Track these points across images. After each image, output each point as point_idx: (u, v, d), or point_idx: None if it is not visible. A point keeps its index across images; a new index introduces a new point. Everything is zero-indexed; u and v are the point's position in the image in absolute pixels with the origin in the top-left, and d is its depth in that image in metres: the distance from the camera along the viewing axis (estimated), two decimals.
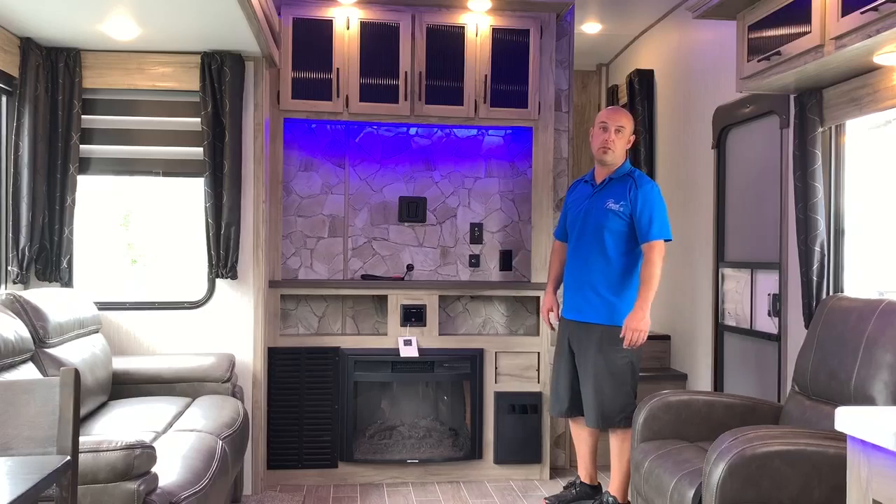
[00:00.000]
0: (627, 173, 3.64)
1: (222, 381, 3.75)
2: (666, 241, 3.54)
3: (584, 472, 3.83)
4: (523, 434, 4.33)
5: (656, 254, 3.49)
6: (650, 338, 5.14)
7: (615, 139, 3.61)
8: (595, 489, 3.83)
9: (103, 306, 3.88)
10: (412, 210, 4.56)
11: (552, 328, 3.96)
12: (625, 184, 3.59)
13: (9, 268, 3.67)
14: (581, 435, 3.79)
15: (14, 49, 3.60)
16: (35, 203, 3.68)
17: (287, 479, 4.23)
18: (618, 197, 3.57)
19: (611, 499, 3.66)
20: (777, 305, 3.83)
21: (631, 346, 3.48)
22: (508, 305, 4.58)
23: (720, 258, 4.44)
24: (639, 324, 3.44)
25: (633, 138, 3.70)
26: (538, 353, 4.37)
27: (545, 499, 3.87)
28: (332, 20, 4.25)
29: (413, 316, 4.30)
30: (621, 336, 3.47)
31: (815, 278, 3.39)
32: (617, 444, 3.62)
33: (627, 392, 3.58)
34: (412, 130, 4.61)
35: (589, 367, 3.58)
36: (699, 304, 4.69)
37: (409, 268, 4.57)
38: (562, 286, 3.84)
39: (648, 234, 3.50)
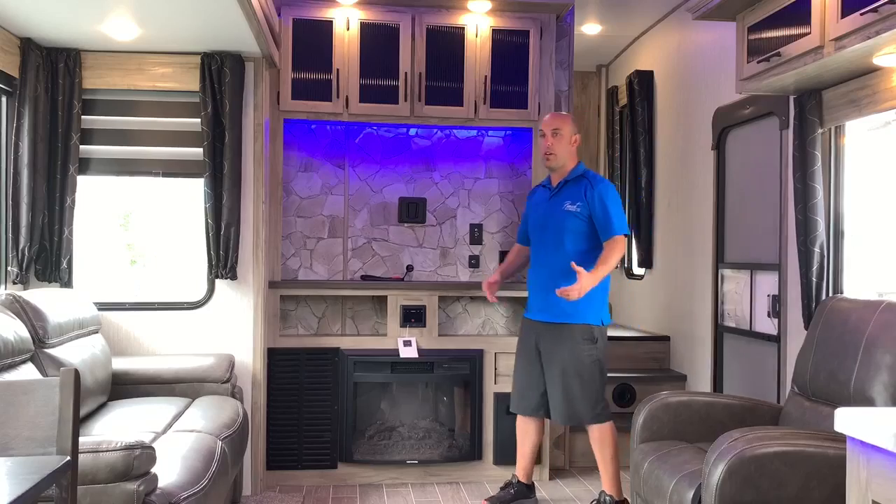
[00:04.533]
0: (581, 175, 3.72)
1: (222, 381, 3.75)
2: (625, 235, 3.64)
3: (522, 471, 3.90)
4: None
5: (618, 246, 3.59)
6: (650, 338, 5.19)
7: (554, 143, 3.70)
8: (529, 488, 3.91)
9: (103, 307, 3.88)
10: (412, 211, 4.56)
11: (493, 299, 3.96)
12: (580, 185, 3.68)
13: (9, 268, 3.67)
14: (529, 432, 3.86)
15: (14, 49, 3.60)
16: (35, 203, 3.68)
17: (286, 480, 4.23)
18: (574, 198, 3.66)
19: (608, 497, 3.68)
20: (777, 306, 3.84)
21: (564, 294, 3.47)
22: (508, 306, 4.58)
23: (720, 259, 4.44)
24: (583, 287, 3.44)
25: (576, 138, 3.75)
26: None
27: (485, 500, 3.89)
28: (332, 21, 4.25)
29: (413, 317, 4.30)
30: (566, 290, 3.46)
31: (814, 279, 3.39)
32: (597, 440, 3.67)
33: (596, 389, 3.65)
34: (412, 131, 4.61)
35: (556, 367, 3.64)
36: (699, 305, 4.69)
37: (409, 268, 4.57)
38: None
39: (608, 231, 3.59)
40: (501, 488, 3.94)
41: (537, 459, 4.32)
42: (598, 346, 3.65)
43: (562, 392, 3.63)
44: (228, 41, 3.74)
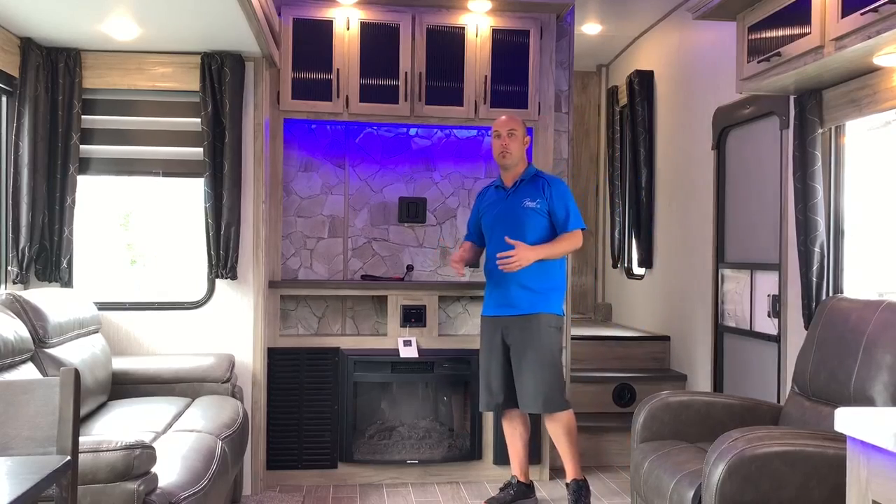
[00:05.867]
0: (535, 174, 3.89)
1: (222, 381, 3.75)
2: (582, 229, 3.80)
3: (518, 470, 3.93)
4: None
5: (574, 237, 3.77)
6: (650, 338, 5.19)
7: (509, 142, 3.83)
8: (529, 487, 3.94)
9: (103, 306, 3.88)
10: (412, 210, 4.56)
11: (462, 272, 3.98)
12: (536, 183, 3.84)
13: (9, 268, 3.67)
14: (517, 429, 3.91)
15: (14, 49, 3.60)
16: (35, 203, 3.68)
17: (286, 480, 4.23)
18: (533, 195, 3.80)
19: (579, 483, 3.75)
20: (777, 306, 3.84)
21: (508, 268, 3.63)
22: None
23: (720, 259, 4.44)
24: (526, 256, 3.63)
25: (527, 139, 3.92)
26: None
27: (485, 501, 3.90)
28: (332, 20, 4.25)
29: (413, 316, 4.30)
30: (507, 255, 3.62)
31: (814, 279, 3.39)
32: (561, 427, 3.74)
33: (563, 376, 3.80)
34: (412, 131, 4.61)
35: (529, 357, 3.70)
36: (699, 304, 4.69)
37: (409, 268, 4.57)
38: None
39: (567, 225, 3.77)
40: (501, 489, 3.95)
41: (537, 459, 4.32)
42: (560, 335, 3.84)
43: (536, 381, 3.68)
44: (228, 41, 3.74)
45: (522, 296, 3.74)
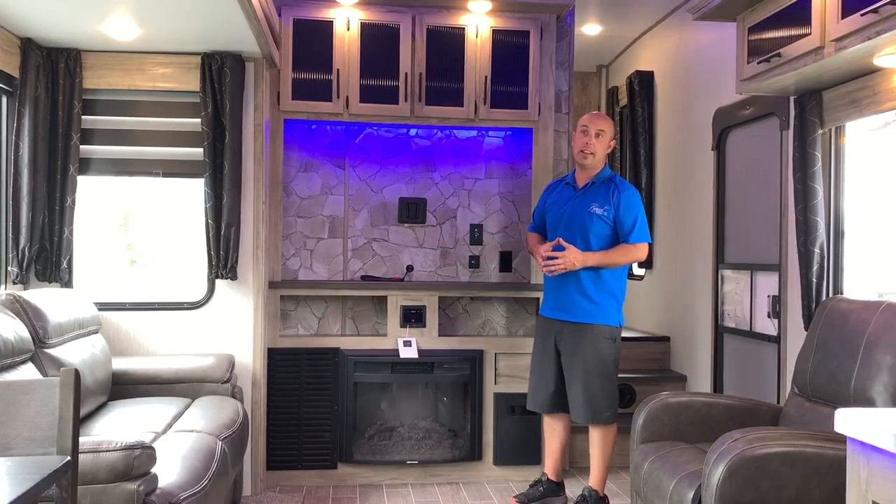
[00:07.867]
0: (609, 178, 3.75)
1: (222, 381, 3.75)
2: (646, 243, 3.69)
3: (551, 469, 3.91)
4: (523, 435, 4.33)
5: (635, 250, 3.65)
6: (650, 339, 5.19)
7: (595, 143, 3.71)
8: (559, 486, 3.92)
9: (103, 307, 3.88)
10: (412, 211, 4.56)
11: (547, 270, 3.73)
12: (607, 188, 3.71)
13: (9, 268, 3.67)
14: (556, 430, 3.88)
15: (14, 49, 3.61)
16: (35, 203, 3.68)
17: (286, 480, 4.23)
18: (602, 201, 3.68)
19: (592, 492, 3.72)
20: (777, 307, 3.84)
21: (549, 270, 3.62)
22: (508, 306, 4.58)
23: (720, 260, 4.44)
24: (576, 260, 3.57)
25: (613, 143, 3.81)
26: None
27: (514, 497, 3.90)
28: (332, 21, 4.25)
29: (413, 317, 4.30)
30: (554, 256, 3.59)
31: (814, 280, 3.39)
32: (599, 438, 3.70)
33: (614, 389, 3.71)
34: (412, 131, 4.61)
35: (578, 366, 3.65)
36: (699, 305, 4.69)
37: (409, 269, 4.57)
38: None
39: (630, 237, 3.64)
40: (531, 486, 3.95)
41: (536, 460, 4.32)
42: (616, 345, 3.70)
43: (584, 391, 3.64)
44: (228, 41, 3.74)
45: (578, 302, 3.65)
